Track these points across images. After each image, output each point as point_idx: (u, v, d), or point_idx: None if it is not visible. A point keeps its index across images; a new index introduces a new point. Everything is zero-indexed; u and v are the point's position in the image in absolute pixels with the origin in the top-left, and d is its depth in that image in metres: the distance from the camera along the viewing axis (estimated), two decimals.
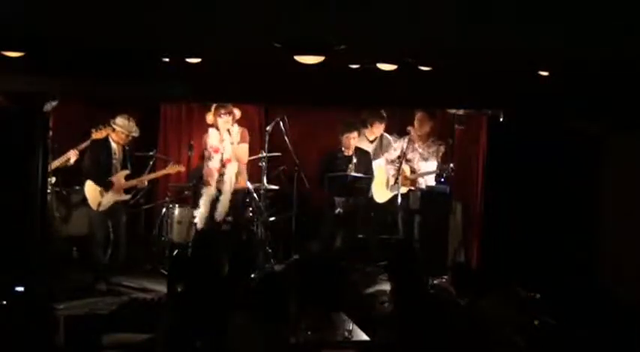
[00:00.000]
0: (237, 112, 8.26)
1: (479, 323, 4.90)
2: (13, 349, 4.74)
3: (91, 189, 7.97)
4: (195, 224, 8.27)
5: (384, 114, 9.01)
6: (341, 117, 9.04)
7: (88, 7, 4.67)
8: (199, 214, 8.21)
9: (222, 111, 8.10)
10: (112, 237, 8.05)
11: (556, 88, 6.96)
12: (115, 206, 8.02)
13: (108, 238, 8.06)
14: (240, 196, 8.34)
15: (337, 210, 8.60)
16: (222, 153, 8.20)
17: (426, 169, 8.63)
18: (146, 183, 8.44)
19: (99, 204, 7.89)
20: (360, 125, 8.90)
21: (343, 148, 8.78)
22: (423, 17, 4.69)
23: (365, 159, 8.80)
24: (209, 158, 8.24)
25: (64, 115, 7.83)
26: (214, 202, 8.23)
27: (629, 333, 5.57)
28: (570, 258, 7.55)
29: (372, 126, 9.02)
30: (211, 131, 8.24)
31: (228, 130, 8.20)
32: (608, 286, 7.08)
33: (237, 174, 8.28)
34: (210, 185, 8.23)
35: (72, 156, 8.03)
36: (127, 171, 8.10)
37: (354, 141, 8.71)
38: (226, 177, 8.21)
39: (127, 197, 8.19)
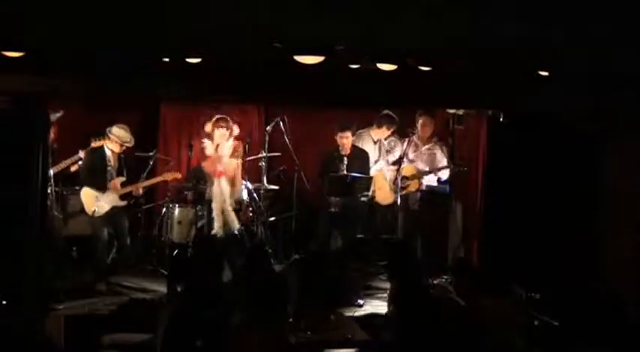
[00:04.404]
0: (236, 129, 8.05)
1: (479, 323, 4.90)
2: (13, 349, 4.74)
3: (86, 195, 7.98)
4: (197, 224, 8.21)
5: (396, 119, 8.82)
6: (340, 117, 8.98)
7: (88, 7, 4.67)
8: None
9: (222, 124, 7.98)
10: (115, 243, 8.05)
11: (556, 88, 6.95)
12: (115, 211, 8.01)
13: (109, 241, 8.05)
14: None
15: (333, 210, 8.48)
16: (215, 163, 8.07)
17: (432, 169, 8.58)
18: (141, 191, 8.38)
19: (93, 211, 7.90)
20: (354, 125, 8.66)
21: (340, 148, 8.66)
22: (423, 17, 4.70)
23: (361, 159, 8.58)
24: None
25: (64, 122, 7.84)
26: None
27: (629, 333, 5.56)
28: (570, 258, 7.55)
29: (379, 127, 8.83)
30: (206, 142, 8.08)
31: (220, 144, 8.00)
32: (608, 286, 7.07)
33: (232, 187, 8.08)
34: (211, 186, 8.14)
35: (82, 155, 8.09)
36: (123, 178, 8.10)
37: (346, 140, 8.50)
38: (221, 189, 8.02)
39: (123, 203, 8.13)
